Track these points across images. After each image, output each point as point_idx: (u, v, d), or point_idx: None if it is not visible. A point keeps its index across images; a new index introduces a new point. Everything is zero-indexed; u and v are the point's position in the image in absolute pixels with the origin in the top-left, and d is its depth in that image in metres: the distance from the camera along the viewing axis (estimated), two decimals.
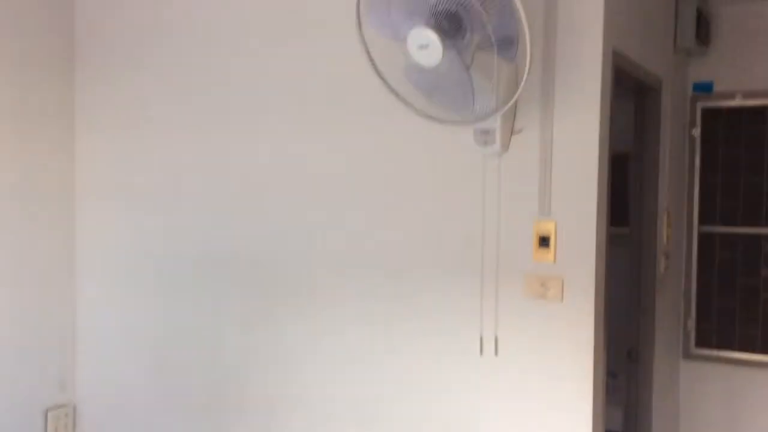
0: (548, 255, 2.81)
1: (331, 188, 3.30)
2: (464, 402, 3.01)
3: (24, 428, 3.82)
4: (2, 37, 3.67)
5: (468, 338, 2.98)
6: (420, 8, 2.42)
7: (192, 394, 3.71)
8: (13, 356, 3.78)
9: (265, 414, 3.50)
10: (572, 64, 2.73)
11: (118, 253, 3.91)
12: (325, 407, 3.34)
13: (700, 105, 4.33)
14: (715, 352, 4.38)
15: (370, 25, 2.58)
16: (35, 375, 3.88)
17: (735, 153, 4.27)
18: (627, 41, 3.02)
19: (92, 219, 3.99)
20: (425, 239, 3.08)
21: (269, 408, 3.49)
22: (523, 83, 2.38)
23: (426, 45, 2.38)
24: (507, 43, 2.43)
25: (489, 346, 2.94)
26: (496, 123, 2.76)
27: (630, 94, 3.64)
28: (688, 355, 4.44)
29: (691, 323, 4.42)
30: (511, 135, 2.85)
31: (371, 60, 2.63)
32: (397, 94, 2.65)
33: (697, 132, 4.34)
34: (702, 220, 4.38)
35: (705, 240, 4.38)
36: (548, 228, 2.81)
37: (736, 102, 4.22)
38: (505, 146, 2.84)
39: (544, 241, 2.82)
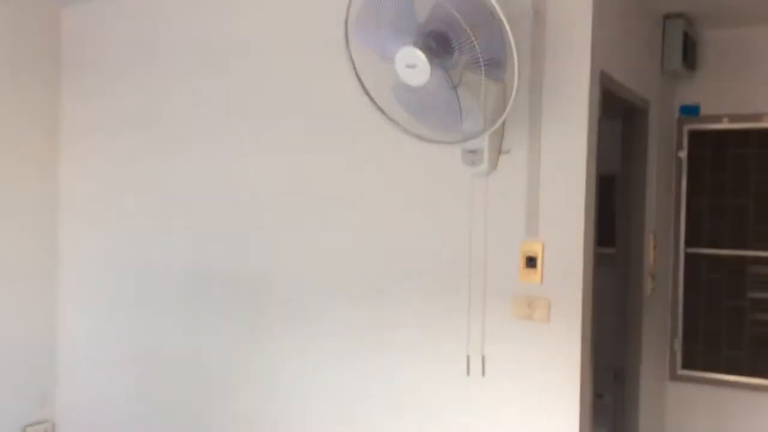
0: (535, 275, 2.80)
1: (319, 206, 3.29)
2: (452, 422, 2.99)
3: None
4: None
5: (455, 358, 2.96)
6: (408, 28, 2.43)
7: (175, 412, 3.66)
8: None
9: None
10: (560, 85, 2.75)
11: (102, 268, 3.88)
12: (311, 426, 3.31)
13: (686, 128, 4.36)
14: (701, 374, 4.37)
15: (358, 44, 2.58)
16: (14, 390, 3.83)
17: (721, 176, 4.30)
18: (614, 63, 3.04)
19: (76, 232, 3.96)
20: (412, 258, 3.07)
21: (254, 427, 3.45)
22: (510, 104, 2.39)
23: (414, 64, 2.39)
24: (494, 64, 2.44)
25: (476, 367, 2.93)
26: (483, 143, 2.77)
27: (617, 116, 3.66)
28: (674, 377, 4.43)
29: (678, 344, 4.42)
30: (498, 155, 2.85)
31: (359, 79, 2.63)
32: (384, 113, 2.65)
33: (683, 154, 4.37)
34: (688, 242, 4.39)
35: (691, 262, 4.39)
36: (535, 248, 2.80)
37: (723, 125, 4.26)
38: (493, 166, 2.84)
39: (531, 262, 2.81)
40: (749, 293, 4.25)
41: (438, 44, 2.43)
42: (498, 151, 2.85)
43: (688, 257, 4.39)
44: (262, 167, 3.43)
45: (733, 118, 4.22)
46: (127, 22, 3.79)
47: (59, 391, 4.00)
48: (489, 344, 2.91)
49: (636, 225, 3.76)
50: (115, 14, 3.83)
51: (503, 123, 2.62)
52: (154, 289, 3.71)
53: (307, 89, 3.31)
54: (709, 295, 4.34)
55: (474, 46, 2.35)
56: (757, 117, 4.15)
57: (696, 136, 4.35)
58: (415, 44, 2.40)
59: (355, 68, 2.62)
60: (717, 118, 4.26)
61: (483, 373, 2.92)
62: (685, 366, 4.42)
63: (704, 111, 4.29)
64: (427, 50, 2.39)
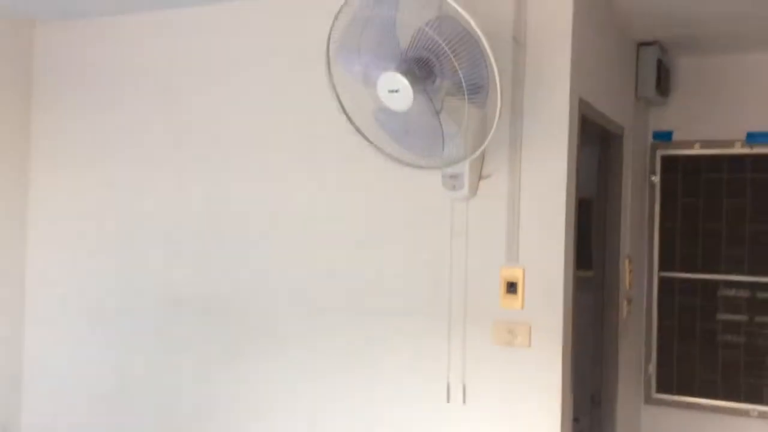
0: (516, 301, 2.80)
1: (296, 230, 3.26)
2: None
3: None
4: None
5: (435, 385, 2.94)
6: (390, 53, 2.43)
7: None
8: None
9: None
10: (540, 111, 2.77)
11: (72, 293, 3.79)
12: None
13: (659, 153, 4.42)
14: (675, 397, 4.40)
15: (340, 69, 2.57)
16: None
17: (694, 200, 4.36)
18: (592, 90, 3.08)
19: (45, 254, 3.86)
20: (392, 284, 3.05)
21: None
22: (493, 130, 2.39)
23: (397, 89, 2.39)
24: (476, 90, 2.45)
25: (456, 394, 2.90)
26: (464, 168, 2.77)
27: (593, 142, 3.70)
28: (649, 400, 4.45)
29: (652, 368, 4.45)
30: (479, 180, 2.85)
31: (340, 103, 2.62)
32: (366, 138, 2.64)
33: (656, 179, 4.42)
34: (662, 266, 4.44)
35: (665, 285, 4.43)
36: (516, 274, 2.80)
37: (695, 151, 4.33)
38: (473, 191, 2.85)
39: (511, 287, 2.81)
40: (722, 317, 4.30)
41: (420, 70, 2.43)
42: (479, 175, 2.85)
43: (662, 281, 4.44)
44: (237, 191, 3.39)
45: (705, 144, 4.29)
46: (100, 43, 3.73)
47: (25, 419, 3.87)
48: (470, 371, 2.89)
49: (612, 249, 3.79)
50: (88, 35, 3.77)
51: (484, 148, 2.62)
52: (128, 315, 3.62)
53: (284, 113, 3.28)
54: (682, 318, 4.38)
55: (457, 71, 2.36)
56: (728, 143, 4.23)
57: (669, 162, 4.42)
58: (398, 69, 2.40)
59: (336, 93, 2.61)
60: (689, 144, 4.33)
61: (464, 400, 2.90)
62: (659, 390, 4.45)
63: (676, 137, 4.36)
64: (410, 75, 2.39)
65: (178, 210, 3.52)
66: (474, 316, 2.87)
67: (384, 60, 2.43)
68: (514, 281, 2.81)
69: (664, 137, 4.40)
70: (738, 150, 4.22)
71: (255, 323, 3.34)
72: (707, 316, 4.33)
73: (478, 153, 2.54)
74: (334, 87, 2.61)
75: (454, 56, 2.34)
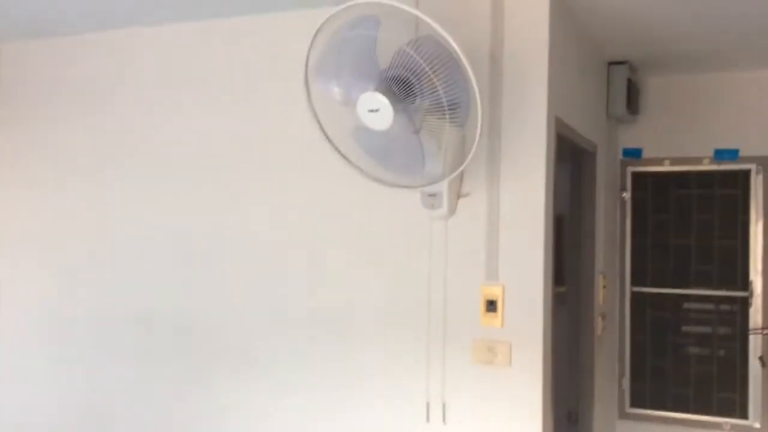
0: (496, 319, 2.80)
1: (272, 248, 3.22)
2: None
3: None
4: None
5: (415, 405, 2.91)
6: (370, 74, 2.43)
7: None
8: None
9: None
10: (517, 129, 2.78)
11: (41, 314, 3.68)
12: None
13: (629, 170, 4.49)
14: (649, 412, 4.44)
15: (319, 89, 2.56)
16: None
17: (664, 216, 4.43)
18: (567, 108, 3.11)
19: (12, 277, 3.76)
20: (370, 302, 3.02)
21: None
22: (474, 148, 2.39)
23: (377, 109, 2.38)
24: (455, 108, 2.45)
25: (436, 413, 2.88)
26: (443, 186, 2.77)
27: (565, 158, 3.74)
28: (623, 415, 4.49)
29: (626, 383, 4.49)
30: (458, 198, 2.86)
31: (319, 123, 2.61)
32: (345, 157, 2.63)
33: (627, 196, 4.49)
34: (634, 281, 4.49)
35: (637, 300, 4.48)
36: (495, 292, 2.80)
37: (665, 167, 4.40)
38: (452, 209, 2.85)
39: (491, 305, 2.81)
40: (693, 331, 4.36)
41: (399, 89, 2.43)
42: (457, 194, 2.85)
43: (634, 296, 4.49)
44: (210, 210, 3.33)
45: (674, 161, 4.37)
46: (61, 62, 3.66)
47: None
48: (449, 390, 2.87)
49: (586, 265, 3.82)
50: (49, 54, 3.69)
51: (464, 166, 2.62)
52: (96, 334, 3.53)
53: (259, 132, 3.25)
54: (655, 333, 4.44)
55: (437, 91, 2.36)
56: (696, 160, 4.31)
57: (639, 178, 4.48)
58: (377, 89, 2.40)
59: (315, 113, 2.59)
60: (659, 161, 4.41)
61: (444, 420, 2.88)
62: (633, 404, 4.48)
63: (646, 154, 4.44)
64: (390, 95, 2.39)
65: (149, 229, 3.45)
66: (454, 334, 2.86)
67: (363, 80, 2.42)
68: (494, 299, 2.81)
69: (633, 154, 4.46)
70: (706, 166, 4.30)
71: (230, 344, 3.28)
72: (679, 330, 4.39)
73: (458, 171, 2.54)
74: (312, 107, 2.59)
75: (434, 76, 2.34)
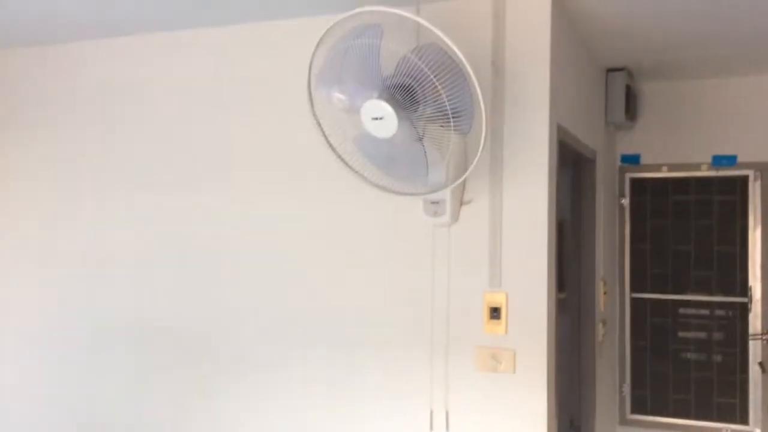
0: (499, 327, 2.79)
1: (274, 258, 3.20)
2: None
3: None
4: None
5: (418, 413, 2.90)
6: (374, 81, 2.42)
7: None
8: None
9: None
10: (520, 137, 2.79)
11: (39, 327, 3.66)
12: None
13: (628, 176, 4.50)
14: (649, 418, 4.45)
15: (321, 96, 2.56)
16: None
17: (662, 222, 4.44)
18: (567, 115, 3.12)
19: (10, 289, 3.73)
20: (373, 311, 3.02)
21: None
22: (478, 155, 2.39)
23: (381, 117, 2.38)
24: (459, 116, 2.46)
25: (440, 421, 2.87)
26: (446, 194, 2.77)
27: (565, 165, 3.75)
28: (624, 421, 4.49)
29: (626, 389, 4.49)
30: (460, 205, 2.86)
31: (322, 131, 2.61)
32: (348, 165, 2.63)
33: (626, 202, 4.50)
34: (633, 287, 4.50)
35: (637, 306, 4.49)
36: (499, 299, 2.80)
37: (663, 173, 4.42)
38: (455, 217, 2.84)
39: (495, 312, 2.80)
40: (693, 337, 4.36)
41: (403, 97, 2.43)
42: (460, 201, 2.85)
43: (634, 302, 4.49)
44: (210, 219, 3.32)
45: (672, 167, 4.39)
46: (60, 69, 3.65)
47: None
48: (453, 398, 2.87)
49: (587, 272, 3.83)
50: (49, 60, 3.68)
51: (468, 173, 2.62)
52: (94, 346, 3.51)
53: (260, 141, 3.25)
54: (655, 339, 4.44)
55: (440, 98, 2.36)
56: (695, 166, 4.33)
57: (637, 184, 4.50)
58: (380, 97, 2.40)
59: (318, 121, 2.59)
60: (657, 167, 4.42)
61: (447, 428, 2.87)
62: (634, 410, 4.49)
63: (644, 160, 4.45)
64: (393, 102, 2.39)
65: (149, 239, 3.43)
66: (457, 342, 2.86)
67: (367, 88, 2.42)
68: (498, 306, 2.80)
69: (632, 160, 4.48)
70: (704, 172, 4.32)
71: (230, 355, 3.26)
72: (679, 336, 4.40)
73: (462, 178, 2.54)
74: (315, 115, 2.59)
75: (438, 83, 2.34)
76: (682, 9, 3.03)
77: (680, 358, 4.39)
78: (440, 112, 2.40)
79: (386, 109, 2.37)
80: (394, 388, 2.97)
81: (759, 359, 4.21)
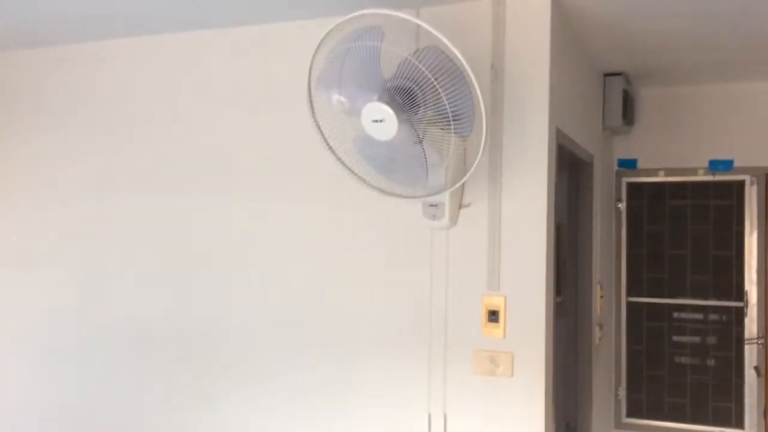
0: (498, 330, 2.79)
1: (273, 262, 3.20)
2: None
3: None
4: None
5: (416, 416, 2.90)
6: (374, 84, 2.43)
7: None
8: None
9: None
10: (519, 140, 2.79)
11: (35, 330, 3.64)
12: None
13: (625, 180, 4.52)
14: (645, 422, 4.45)
15: (321, 99, 2.56)
16: None
17: (659, 227, 4.46)
18: (566, 119, 3.13)
19: (4, 290, 3.71)
20: (371, 314, 3.01)
21: None
22: (478, 158, 2.40)
23: (381, 119, 2.38)
24: (459, 119, 2.46)
25: (438, 424, 2.87)
26: (444, 197, 2.77)
27: (562, 168, 3.75)
28: (619, 425, 4.49)
29: (622, 392, 4.49)
30: (459, 209, 2.86)
31: (322, 133, 2.61)
32: (348, 168, 2.63)
33: (622, 206, 4.51)
34: (630, 291, 4.51)
35: (633, 310, 4.50)
36: (497, 302, 2.80)
37: (659, 178, 4.43)
38: (454, 220, 2.85)
39: (493, 316, 2.80)
40: (689, 341, 4.37)
41: (403, 99, 2.43)
42: (459, 204, 2.85)
43: (630, 306, 4.50)
44: (209, 222, 3.31)
45: (669, 171, 4.40)
46: (60, 71, 3.63)
47: None
48: (451, 401, 2.86)
49: (584, 275, 3.83)
50: (39, 63, 3.67)
51: (468, 176, 2.62)
52: (89, 348, 3.49)
53: (261, 144, 3.24)
54: (651, 343, 4.45)
55: (440, 101, 2.37)
56: (691, 171, 4.34)
57: (634, 189, 4.51)
58: (380, 99, 2.40)
59: (318, 124, 2.59)
60: (653, 171, 4.44)
61: (445, 431, 2.87)
62: (630, 414, 4.49)
63: (641, 164, 4.46)
64: (393, 105, 2.39)
65: (147, 241, 3.42)
66: (455, 345, 2.86)
67: (367, 90, 2.42)
68: (496, 309, 2.80)
69: (629, 165, 4.49)
70: (701, 177, 4.33)
71: (229, 358, 3.26)
72: (675, 340, 4.41)
73: (462, 181, 2.54)
74: (315, 117, 2.59)
75: (438, 85, 2.35)
76: (680, 15, 3.04)
77: (676, 362, 4.40)
78: (440, 114, 2.41)
79: (386, 111, 2.37)
80: (392, 391, 2.96)
81: (755, 363, 4.22)
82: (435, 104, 2.40)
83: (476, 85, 2.30)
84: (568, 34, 3.17)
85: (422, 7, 2.87)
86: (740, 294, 4.27)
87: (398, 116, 2.38)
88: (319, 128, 2.61)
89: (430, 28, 2.26)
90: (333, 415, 3.06)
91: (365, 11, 2.36)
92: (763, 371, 4.20)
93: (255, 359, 3.20)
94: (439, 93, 2.36)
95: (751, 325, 4.24)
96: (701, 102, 4.32)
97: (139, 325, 3.42)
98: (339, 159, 2.63)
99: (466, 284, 2.85)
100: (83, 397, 3.52)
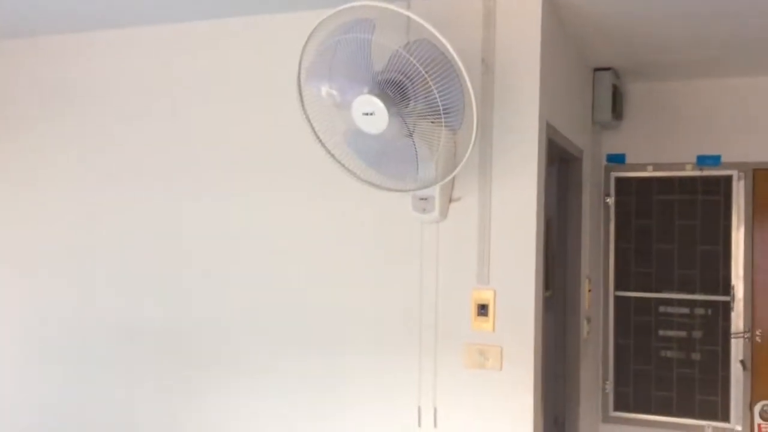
0: (487, 323, 2.80)
1: (260, 256, 3.19)
2: None
3: None
4: None
5: (406, 409, 2.90)
6: (364, 77, 2.42)
7: None
8: None
9: None
10: (509, 134, 2.79)
11: (22, 327, 3.61)
12: None
13: (613, 175, 4.53)
14: (632, 415, 4.48)
15: (311, 92, 2.54)
16: None
17: (647, 221, 4.48)
18: (556, 113, 3.13)
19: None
20: (362, 308, 3.01)
21: None
22: (469, 152, 2.40)
23: (372, 112, 2.38)
24: (449, 112, 2.45)
25: (428, 418, 2.87)
26: (434, 191, 2.77)
27: (553, 164, 3.76)
28: (607, 419, 4.52)
29: (609, 386, 4.52)
30: (449, 202, 2.86)
31: (312, 127, 2.59)
32: (338, 161, 2.62)
33: (611, 200, 4.53)
34: (617, 286, 4.53)
35: (621, 305, 4.52)
36: (487, 296, 2.80)
37: (648, 173, 4.45)
38: (444, 214, 2.84)
39: (482, 309, 2.81)
40: (676, 335, 4.40)
41: (394, 92, 2.42)
42: (449, 198, 2.85)
43: (618, 300, 4.52)
44: (195, 218, 3.29)
45: (657, 166, 4.42)
46: (55, 62, 3.60)
47: None
48: (441, 394, 2.87)
49: (573, 270, 3.85)
50: (31, 55, 3.63)
51: (458, 170, 2.62)
52: (79, 343, 3.47)
53: (247, 139, 3.22)
54: (637, 337, 4.48)
55: (431, 94, 2.36)
56: (679, 166, 4.36)
57: (622, 183, 4.53)
58: (371, 92, 2.39)
59: (308, 117, 2.58)
60: (642, 167, 4.46)
61: (435, 424, 2.87)
62: (617, 408, 4.52)
63: (630, 159, 4.48)
64: (384, 98, 2.39)
65: (132, 238, 3.40)
66: (445, 338, 2.86)
67: (358, 83, 2.42)
68: (485, 303, 2.81)
69: (617, 160, 4.51)
70: (689, 172, 4.36)
71: (217, 355, 3.24)
72: (662, 334, 4.43)
73: (453, 175, 2.54)
74: (305, 110, 2.58)
75: (429, 78, 2.34)
76: (670, 11, 3.05)
77: (663, 356, 4.43)
78: (431, 108, 2.40)
79: (377, 104, 2.36)
80: (383, 384, 2.96)
81: (740, 357, 4.25)
82: (426, 97, 2.40)
83: (467, 79, 2.30)
84: (559, 29, 3.17)
85: (413, 0, 2.87)
86: (727, 288, 4.30)
87: (389, 109, 2.37)
88: (309, 121, 2.60)
89: (421, 21, 2.26)
90: (323, 409, 3.06)
91: (356, 3, 2.35)
92: (749, 365, 4.24)
93: (245, 354, 3.19)
94: (430, 86, 2.36)
95: (738, 320, 4.28)
96: (689, 97, 4.34)
97: (130, 323, 3.40)
98: (329, 152, 2.62)
99: (456, 278, 2.85)
100: (75, 395, 3.49)
